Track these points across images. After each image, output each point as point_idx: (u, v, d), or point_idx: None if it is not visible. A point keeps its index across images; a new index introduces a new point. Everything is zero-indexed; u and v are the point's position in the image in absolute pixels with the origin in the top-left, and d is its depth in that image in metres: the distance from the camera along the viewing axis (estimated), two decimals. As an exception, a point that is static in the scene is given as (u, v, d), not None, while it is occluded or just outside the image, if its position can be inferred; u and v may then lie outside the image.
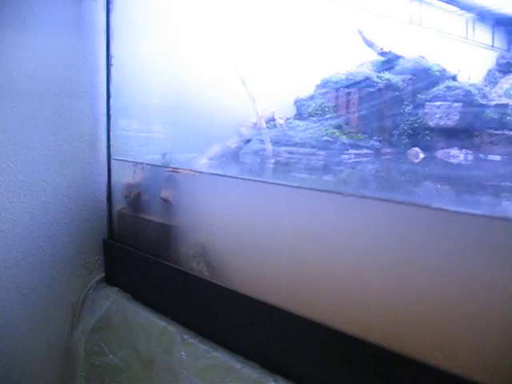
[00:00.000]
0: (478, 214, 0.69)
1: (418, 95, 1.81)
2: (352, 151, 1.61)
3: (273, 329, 0.93)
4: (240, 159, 1.39)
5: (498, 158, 1.65)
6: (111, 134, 1.35)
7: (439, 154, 1.76)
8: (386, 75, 1.76)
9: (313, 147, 1.53)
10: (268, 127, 1.58)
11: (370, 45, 1.86)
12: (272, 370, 0.92)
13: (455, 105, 1.72)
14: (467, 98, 1.73)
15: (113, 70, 1.33)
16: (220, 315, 1.04)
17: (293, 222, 0.91)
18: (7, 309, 1.28)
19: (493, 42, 2.69)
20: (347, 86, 1.72)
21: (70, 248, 1.38)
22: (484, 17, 2.58)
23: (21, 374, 1.30)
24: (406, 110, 1.78)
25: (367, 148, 1.66)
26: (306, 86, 1.83)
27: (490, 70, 2.61)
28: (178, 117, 1.38)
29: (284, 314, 0.89)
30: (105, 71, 1.34)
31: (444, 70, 1.92)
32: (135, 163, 1.28)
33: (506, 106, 1.77)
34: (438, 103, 1.75)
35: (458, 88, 1.75)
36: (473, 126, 1.73)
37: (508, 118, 1.74)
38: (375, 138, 1.68)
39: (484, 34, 2.67)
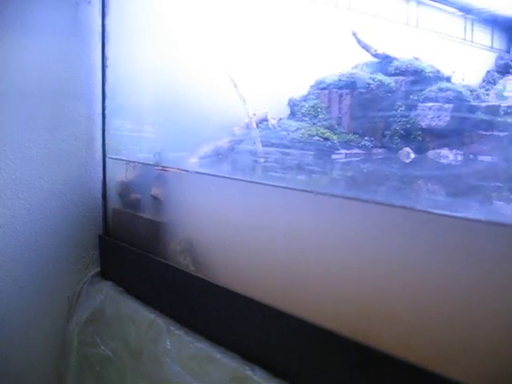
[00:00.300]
0: (446, 215, 0.72)
1: (411, 96, 1.84)
2: (343, 151, 1.64)
3: (251, 321, 0.97)
4: (231, 159, 1.43)
5: (487, 158, 1.68)
6: (106, 133, 1.39)
7: (430, 154, 1.79)
8: (379, 76, 1.79)
9: (303, 147, 1.57)
10: (261, 127, 1.63)
11: (364, 46, 1.90)
12: (250, 360, 0.97)
13: (446, 106, 1.75)
14: (458, 100, 1.76)
15: (108, 71, 1.38)
16: (204, 308, 1.08)
17: (271, 220, 0.95)
18: (5, 301, 1.34)
19: (492, 43, 2.71)
20: (340, 87, 1.76)
21: (67, 243, 1.43)
22: (483, 18, 2.60)
23: (17, 364, 1.36)
24: (399, 111, 1.81)
25: (358, 148, 1.70)
26: (302, 87, 1.88)
27: (488, 71, 2.63)
28: (170, 117, 1.43)
29: (261, 307, 0.94)
30: (100, 73, 1.39)
31: (438, 71, 1.95)
32: (128, 162, 1.33)
33: (496, 107, 1.80)
34: (430, 104, 1.78)
35: (449, 89, 1.78)
36: (463, 127, 1.76)
37: (499, 119, 1.76)
38: (366, 138, 1.72)
39: (483, 35, 2.69)
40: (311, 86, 1.83)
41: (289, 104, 1.80)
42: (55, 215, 1.40)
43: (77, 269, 1.45)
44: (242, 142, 1.56)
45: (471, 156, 1.73)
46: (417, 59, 1.98)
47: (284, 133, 1.61)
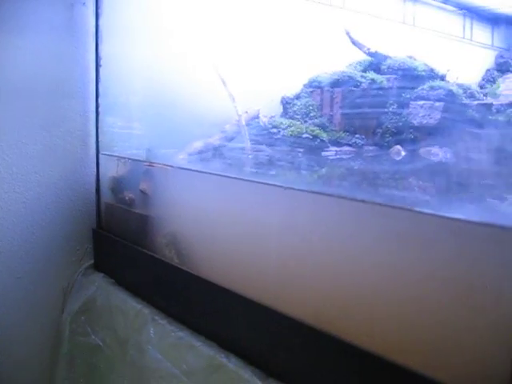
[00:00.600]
0: (407, 208, 0.75)
1: (403, 94, 1.86)
2: (333, 148, 1.68)
3: (228, 311, 1.01)
4: (218, 155, 1.47)
5: (475, 156, 1.70)
6: (100, 130, 1.44)
7: (422, 152, 1.82)
8: (370, 75, 1.82)
9: (292, 145, 1.61)
10: (252, 125, 1.67)
11: (357, 45, 1.92)
12: (226, 348, 1.01)
13: (437, 104, 1.77)
14: (449, 98, 1.79)
15: (101, 70, 1.42)
16: (186, 299, 1.13)
17: (247, 214, 0.99)
18: (1, 291, 1.39)
19: (492, 42, 2.72)
20: (331, 85, 1.79)
21: (62, 236, 1.48)
22: (483, 16, 2.61)
23: (14, 352, 1.41)
24: (391, 109, 1.84)
25: (349, 146, 1.73)
26: (296, 86, 1.91)
27: (488, 70, 2.64)
28: (161, 114, 1.47)
29: (238, 298, 0.98)
30: (94, 72, 1.44)
31: (432, 69, 1.97)
32: (119, 158, 1.38)
33: (488, 105, 1.82)
34: (421, 102, 1.81)
35: (440, 88, 1.80)
36: (454, 125, 1.78)
37: (490, 117, 1.78)
38: (357, 136, 1.75)
39: (483, 34, 2.70)
40: (304, 85, 1.87)
41: (281, 102, 1.83)
42: (50, 209, 1.46)
43: (71, 261, 1.50)
44: (233, 139, 1.60)
45: (461, 154, 1.76)
46: (411, 58, 2.01)
47: (275, 130, 1.65)
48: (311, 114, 1.75)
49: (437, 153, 1.78)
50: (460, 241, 0.64)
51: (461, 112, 1.79)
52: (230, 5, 1.74)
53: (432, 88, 1.82)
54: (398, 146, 1.78)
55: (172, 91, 1.52)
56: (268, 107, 1.85)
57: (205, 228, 1.13)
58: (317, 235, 0.83)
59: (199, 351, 1.03)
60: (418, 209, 0.70)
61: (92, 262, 1.51)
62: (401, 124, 1.82)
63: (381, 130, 1.81)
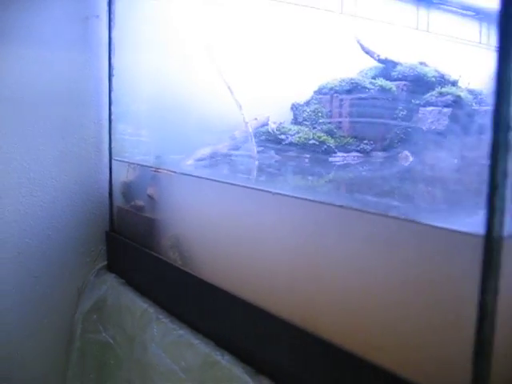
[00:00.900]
0: (378, 213, 0.79)
1: (412, 100, 1.88)
2: (340, 154, 1.71)
3: (224, 311, 1.06)
4: (226, 161, 1.52)
5: (483, 161, 1.71)
6: (112, 137, 1.51)
7: (430, 157, 1.83)
8: (379, 81, 1.84)
9: (299, 150, 1.65)
10: (261, 131, 1.71)
11: (367, 52, 1.95)
12: (222, 346, 1.06)
13: (445, 110, 1.78)
14: (457, 104, 1.80)
15: (114, 80, 1.49)
16: (187, 298, 1.18)
17: (241, 218, 1.04)
18: (20, 289, 1.47)
19: None
20: (340, 92, 1.82)
21: (76, 238, 1.55)
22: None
23: (29, 347, 1.49)
24: (400, 115, 1.86)
25: (357, 151, 1.76)
26: (307, 92, 1.95)
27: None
28: (171, 122, 1.53)
29: (233, 299, 1.02)
30: (107, 81, 1.51)
31: (443, 75, 1.98)
32: (129, 163, 1.45)
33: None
34: (430, 108, 1.82)
35: (448, 94, 1.81)
36: (462, 131, 1.79)
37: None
38: (365, 141, 1.77)
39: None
40: (314, 92, 1.90)
41: (291, 109, 1.87)
42: (66, 212, 1.53)
43: (86, 262, 1.57)
44: (242, 146, 1.65)
45: (468, 160, 1.76)
46: (422, 64, 2.02)
47: (283, 136, 1.69)
48: (320, 121, 1.78)
49: (444, 159, 1.79)
50: (424, 243, 0.67)
51: (469, 118, 1.80)
52: (243, 14, 1.80)
53: (441, 94, 1.83)
54: (406, 152, 1.80)
55: (182, 99, 1.58)
56: (280, 114, 1.89)
57: (203, 231, 1.18)
58: (301, 239, 0.87)
59: (197, 349, 1.08)
60: (391, 214, 0.74)
61: (105, 263, 1.58)
62: (410, 130, 1.84)
63: (389, 136, 1.83)
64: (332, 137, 1.73)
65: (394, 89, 1.87)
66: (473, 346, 0.61)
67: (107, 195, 1.56)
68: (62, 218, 1.53)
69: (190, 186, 1.22)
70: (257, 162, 1.52)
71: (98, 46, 1.52)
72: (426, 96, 1.87)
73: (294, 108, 1.87)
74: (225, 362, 1.01)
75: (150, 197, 1.33)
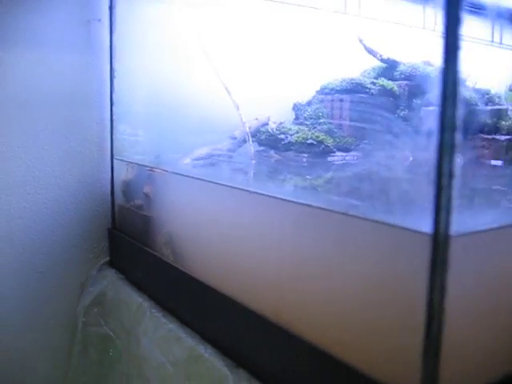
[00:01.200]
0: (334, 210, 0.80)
1: (414, 100, 1.88)
2: (339, 154, 1.73)
3: (208, 305, 1.09)
4: (225, 160, 1.55)
5: (485, 161, 1.71)
6: (114, 137, 1.56)
7: (430, 157, 1.83)
8: (380, 81, 1.85)
9: (297, 150, 1.67)
10: (261, 131, 1.74)
11: (370, 52, 1.96)
12: (207, 340, 1.09)
13: (446, 110, 1.78)
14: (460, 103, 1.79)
15: (115, 81, 1.54)
16: (178, 294, 1.22)
17: (223, 216, 1.07)
18: (25, 284, 1.53)
19: (525, 44, 2.66)
20: (341, 92, 1.84)
21: (80, 234, 1.61)
22: (512, 19, 2.57)
23: (33, 340, 1.55)
24: (401, 115, 1.86)
25: (356, 151, 1.77)
26: (311, 92, 1.97)
27: (520, 72, 2.59)
28: (171, 122, 1.57)
29: (215, 294, 1.06)
30: (109, 83, 1.55)
31: (448, 75, 1.98)
32: (129, 163, 1.49)
33: (503, 110, 1.81)
34: (432, 108, 1.82)
35: (451, 93, 1.81)
36: (465, 131, 1.79)
37: (503, 122, 1.78)
38: (365, 141, 1.78)
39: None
40: (317, 91, 1.92)
41: (293, 109, 1.90)
42: (69, 209, 1.58)
43: (89, 258, 1.63)
44: (242, 145, 1.68)
45: (470, 159, 1.76)
46: (426, 63, 2.02)
47: (282, 136, 1.71)
48: (320, 120, 1.80)
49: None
50: (379, 241, 0.69)
51: (472, 117, 1.80)
52: (247, 15, 1.83)
53: (443, 93, 1.83)
54: (406, 152, 1.81)
55: (183, 100, 1.61)
56: (283, 114, 1.92)
57: (192, 229, 1.21)
58: (274, 237, 0.90)
59: (184, 342, 1.12)
60: (351, 213, 0.76)
61: (108, 259, 1.63)
62: (410, 129, 1.84)
63: (390, 136, 1.83)
64: (332, 136, 1.74)
65: (396, 88, 1.88)
66: (421, 343, 0.63)
67: (109, 193, 1.61)
68: (66, 215, 1.58)
69: (181, 184, 1.25)
70: (253, 161, 1.55)
71: (100, 49, 1.56)
72: (428, 95, 1.87)
73: (296, 108, 1.89)
74: (208, 355, 1.04)
75: (146, 195, 1.37)
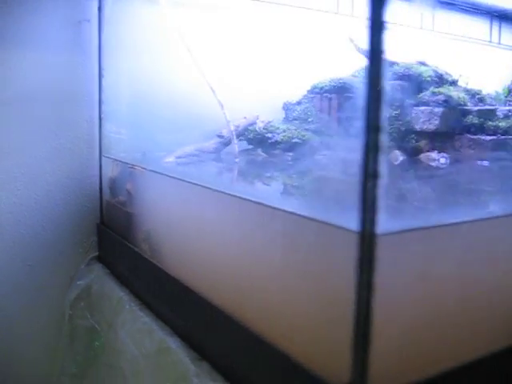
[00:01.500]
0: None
1: (406, 100, 1.89)
2: (326, 152, 1.74)
3: (179, 299, 1.12)
4: (209, 159, 1.58)
5: (473, 161, 1.71)
6: (102, 134, 1.60)
7: (422, 157, 1.85)
8: (370, 81, 1.85)
9: (284, 149, 1.69)
10: (249, 130, 1.77)
11: (361, 52, 1.97)
12: (176, 333, 1.12)
13: (436, 110, 1.79)
14: (448, 103, 1.80)
15: (103, 80, 1.58)
16: (154, 288, 1.25)
17: (191, 213, 1.10)
18: (15, 279, 1.57)
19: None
20: (330, 91, 1.85)
21: (69, 230, 1.65)
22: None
23: (22, 332, 1.59)
24: (393, 115, 1.87)
25: (344, 150, 1.78)
26: (301, 92, 1.99)
27: (518, 72, 2.57)
28: (160, 119, 1.60)
29: (185, 289, 1.08)
30: (97, 82, 1.59)
31: (441, 75, 1.98)
32: (115, 160, 1.53)
33: (490, 111, 1.81)
34: (423, 108, 1.83)
35: (440, 93, 1.82)
36: (452, 130, 1.79)
37: (489, 122, 1.78)
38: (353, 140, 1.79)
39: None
40: (308, 91, 1.94)
41: (283, 108, 1.92)
42: (59, 205, 1.63)
43: (78, 252, 1.67)
44: (229, 144, 1.71)
45: (458, 159, 1.77)
46: (421, 63, 2.03)
47: (270, 135, 1.74)
48: (309, 120, 1.82)
49: (434, 158, 1.80)
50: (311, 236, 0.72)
51: (460, 117, 1.80)
52: (240, 16, 1.85)
53: (433, 94, 1.84)
54: (396, 151, 1.82)
55: (170, 98, 1.65)
56: (273, 113, 1.94)
57: (167, 226, 1.24)
58: (230, 233, 0.93)
59: (154, 335, 1.15)
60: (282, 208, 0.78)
61: (96, 253, 1.67)
62: (403, 129, 1.85)
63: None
64: (319, 135, 1.76)
65: (387, 88, 1.88)
66: (351, 340, 0.65)
67: (98, 189, 1.65)
68: (56, 210, 1.62)
69: (158, 182, 1.28)
70: (237, 160, 1.57)
71: (89, 49, 1.60)
72: (419, 95, 1.87)
73: (286, 107, 1.91)
74: (174, 347, 1.07)
75: (129, 192, 1.41)
